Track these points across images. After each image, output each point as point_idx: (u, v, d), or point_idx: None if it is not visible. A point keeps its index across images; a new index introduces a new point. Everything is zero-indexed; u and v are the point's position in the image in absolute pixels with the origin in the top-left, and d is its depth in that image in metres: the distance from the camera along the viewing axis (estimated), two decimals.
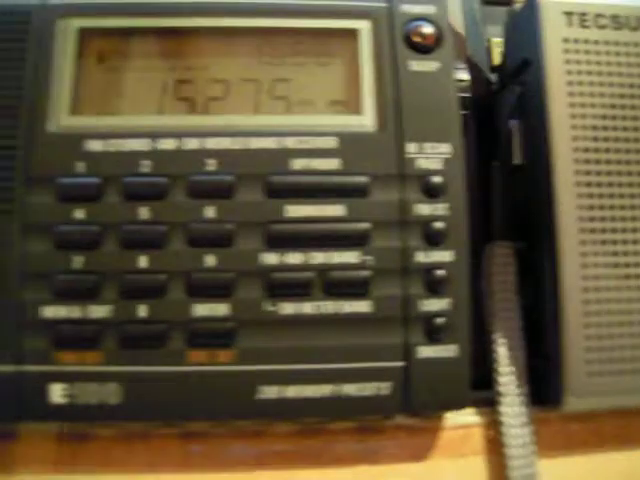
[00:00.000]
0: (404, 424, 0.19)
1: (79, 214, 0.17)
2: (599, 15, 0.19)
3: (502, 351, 0.19)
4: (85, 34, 0.19)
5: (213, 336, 0.17)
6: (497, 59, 0.23)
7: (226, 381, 0.17)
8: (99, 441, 0.18)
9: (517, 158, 0.20)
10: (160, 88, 0.19)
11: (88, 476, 0.18)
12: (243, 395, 0.17)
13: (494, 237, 0.21)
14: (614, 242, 0.18)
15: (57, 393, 0.17)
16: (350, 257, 0.17)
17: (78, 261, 0.17)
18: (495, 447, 0.19)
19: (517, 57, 0.21)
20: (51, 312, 0.17)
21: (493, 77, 0.23)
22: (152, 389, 0.17)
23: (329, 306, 0.17)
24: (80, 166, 0.17)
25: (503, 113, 0.21)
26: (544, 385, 0.19)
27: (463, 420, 0.19)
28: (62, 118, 0.18)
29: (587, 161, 0.18)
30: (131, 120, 0.18)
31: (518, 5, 0.22)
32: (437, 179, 0.18)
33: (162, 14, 0.19)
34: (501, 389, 0.19)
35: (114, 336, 0.17)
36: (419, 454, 0.19)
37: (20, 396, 0.17)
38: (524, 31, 0.20)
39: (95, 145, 0.18)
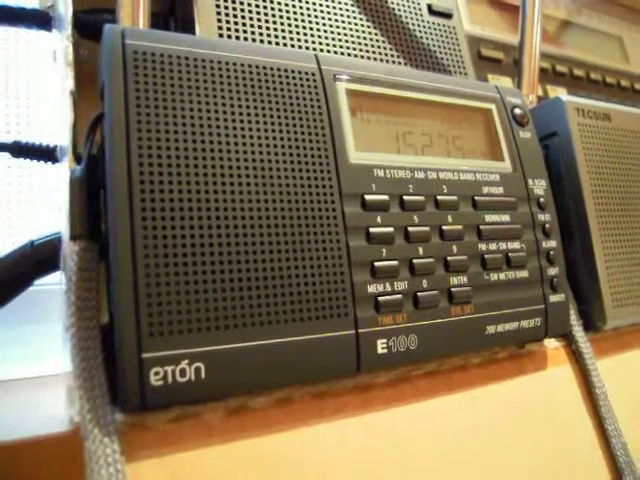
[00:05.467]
0: (532, 349, 0.31)
1: (379, 220, 0.25)
2: (591, 111, 0.35)
3: None
4: (348, 94, 0.26)
5: (462, 296, 0.26)
6: None
7: (469, 325, 0.26)
8: (255, 411, 0.22)
9: None
10: (395, 135, 0.27)
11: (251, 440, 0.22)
12: (477, 333, 0.27)
13: None
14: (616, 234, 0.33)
15: (381, 346, 0.24)
16: (516, 245, 0.29)
17: (384, 252, 0.25)
18: (575, 357, 0.32)
19: (541, 128, 0.35)
20: (373, 288, 0.24)
21: None
22: (434, 335, 0.25)
23: (511, 274, 0.28)
24: (373, 187, 0.25)
25: None
26: (590, 318, 0.33)
27: (554, 344, 0.32)
28: (353, 153, 0.25)
29: (598, 187, 0.34)
30: (391, 157, 0.26)
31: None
32: (543, 200, 0.31)
33: (393, 87, 0.28)
34: (572, 322, 0.32)
35: (410, 302, 0.25)
36: (542, 364, 0.31)
37: (358, 352, 0.23)
38: (551, 114, 0.35)
39: (380, 173, 0.25)
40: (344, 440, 0.23)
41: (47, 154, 0.30)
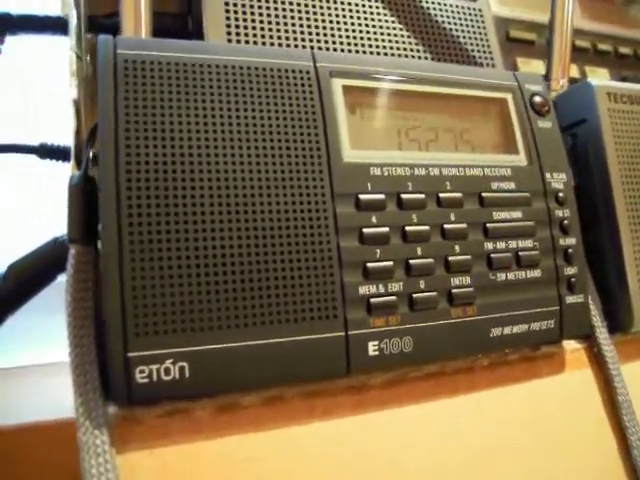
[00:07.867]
0: (548, 351, 0.29)
1: (374, 220, 0.24)
2: (625, 95, 0.32)
3: None
4: (346, 90, 0.26)
5: (464, 298, 0.25)
6: None
7: (471, 327, 0.26)
8: (246, 408, 0.23)
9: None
10: (397, 131, 0.27)
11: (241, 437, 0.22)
12: (480, 335, 0.26)
13: None
14: None
15: (372, 348, 0.24)
16: (528, 243, 0.28)
17: (378, 253, 0.24)
18: (597, 361, 0.30)
19: (570, 115, 0.33)
20: (365, 290, 0.24)
21: None
22: (432, 338, 0.25)
23: (520, 274, 0.27)
24: (369, 186, 0.25)
25: None
26: (617, 320, 0.31)
27: (575, 346, 0.30)
28: (348, 152, 0.25)
29: (629, 178, 0.31)
30: (390, 154, 0.26)
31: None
32: (562, 194, 0.29)
33: (396, 81, 0.27)
34: (595, 324, 0.30)
35: (405, 303, 0.24)
36: (559, 367, 0.29)
37: (348, 354, 0.23)
38: (580, 100, 0.32)
39: (376, 171, 0.25)
40: (336, 440, 0.23)
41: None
